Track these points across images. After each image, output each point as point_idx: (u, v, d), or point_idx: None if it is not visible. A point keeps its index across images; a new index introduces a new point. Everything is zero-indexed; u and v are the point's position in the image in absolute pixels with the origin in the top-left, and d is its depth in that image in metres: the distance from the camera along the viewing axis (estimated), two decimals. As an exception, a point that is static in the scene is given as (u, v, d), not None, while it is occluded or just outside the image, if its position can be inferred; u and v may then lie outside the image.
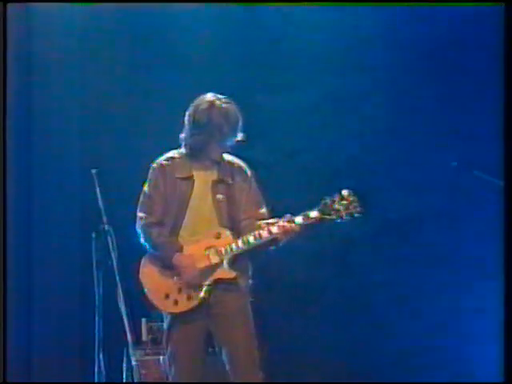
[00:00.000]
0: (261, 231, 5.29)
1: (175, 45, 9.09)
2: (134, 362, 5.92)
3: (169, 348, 5.31)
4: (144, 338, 6.58)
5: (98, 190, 5.91)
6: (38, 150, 8.10)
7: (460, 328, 7.74)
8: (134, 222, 5.46)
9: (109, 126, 8.53)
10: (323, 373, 7.44)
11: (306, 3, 9.26)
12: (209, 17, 9.03)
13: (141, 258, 5.36)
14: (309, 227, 5.37)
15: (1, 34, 6.49)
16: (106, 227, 5.70)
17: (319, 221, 5.32)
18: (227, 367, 5.20)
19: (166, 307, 5.27)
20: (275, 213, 5.40)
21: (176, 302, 5.26)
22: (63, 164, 7.97)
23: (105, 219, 5.76)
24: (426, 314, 7.74)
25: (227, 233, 5.31)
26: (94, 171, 5.89)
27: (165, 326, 5.38)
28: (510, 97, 6.11)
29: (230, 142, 5.38)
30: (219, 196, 5.41)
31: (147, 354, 6.48)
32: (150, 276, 5.39)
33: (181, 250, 5.33)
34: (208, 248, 5.26)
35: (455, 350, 7.69)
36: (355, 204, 5.34)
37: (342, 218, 5.31)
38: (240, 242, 5.24)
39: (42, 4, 8.92)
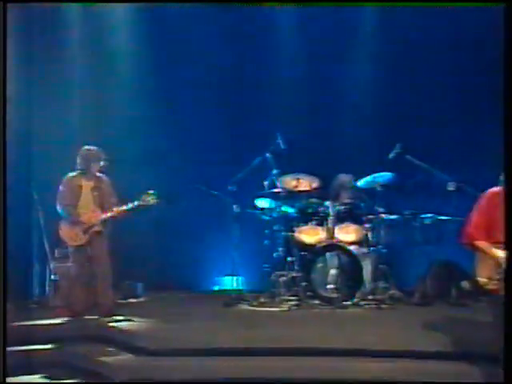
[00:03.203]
0: (114, 209, 6.55)
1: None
2: (51, 266, 7.38)
3: (71, 259, 6.68)
4: (57, 255, 7.39)
5: (35, 196, 7.33)
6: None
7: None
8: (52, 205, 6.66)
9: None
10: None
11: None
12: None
13: (59, 222, 6.62)
14: (136, 209, 6.58)
15: (1, 33, 5.18)
16: (39, 207, 7.38)
17: (140, 206, 6.60)
18: (95, 268, 6.58)
19: (70, 242, 6.61)
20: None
21: (75, 240, 6.58)
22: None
23: (39, 208, 7.34)
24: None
25: (98, 210, 6.58)
26: (35, 196, 7.30)
27: (69, 250, 6.66)
28: (510, 97, 4.75)
29: (97, 167, 6.64)
30: (95, 193, 6.64)
31: (58, 264, 7.34)
32: (63, 229, 6.61)
33: (78, 215, 6.53)
34: (90, 218, 6.54)
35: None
36: (155, 197, 6.57)
37: (149, 204, 6.58)
38: (105, 216, 6.56)
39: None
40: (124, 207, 6.64)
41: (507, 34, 4.84)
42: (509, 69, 4.78)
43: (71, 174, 6.70)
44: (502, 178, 4.79)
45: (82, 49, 8.60)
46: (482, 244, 4.76)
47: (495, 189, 4.84)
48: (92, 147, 6.70)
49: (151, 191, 6.61)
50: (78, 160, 6.68)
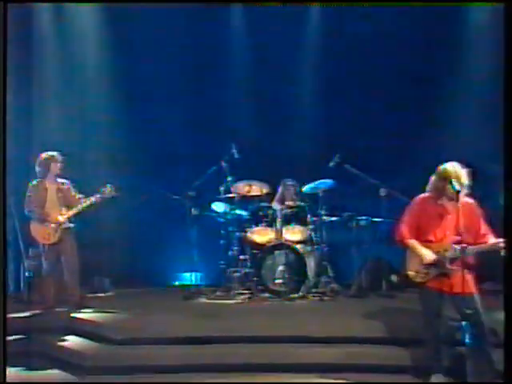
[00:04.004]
0: (78, 206, 6.55)
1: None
2: (26, 264, 7.11)
3: (44, 256, 6.57)
4: (30, 254, 7.13)
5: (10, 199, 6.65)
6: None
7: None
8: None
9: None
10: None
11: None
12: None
13: (29, 222, 6.58)
14: (98, 202, 6.52)
15: (1, 33, 4.71)
16: (13, 211, 6.95)
17: (101, 199, 6.53)
18: (64, 265, 6.54)
19: (43, 241, 6.55)
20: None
21: (48, 239, 6.52)
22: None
23: (14, 210, 6.93)
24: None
25: (64, 209, 6.58)
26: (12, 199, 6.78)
27: (41, 247, 6.58)
28: (510, 96, 4.44)
29: (56, 170, 6.57)
30: (60, 194, 6.65)
31: (32, 262, 7.05)
32: (34, 228, 6.57)
33: (47, 215, 6.50)
34: (58, 217, 6.51)
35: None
36: (113, 190, 6.52)
37: (109, 196, 6.53)
38: (70, 212, 6.54)
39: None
40: (87, 202, 6.61)
41: (507, 33, 4.51)
42: (509, 69, 4.42)
43: (36, 180, 6.70)
44: (428, 186, 4.92)
45: (49, 53, 8.25)
46: (411, 242, 4.92)
47: (424, 194, 4.99)
48: (49, 152, 6.65)
49: (109, 184, 6.59)
50: (38, 167, 6.63)
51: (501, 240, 4.62)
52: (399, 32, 8.13)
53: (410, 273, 4.91)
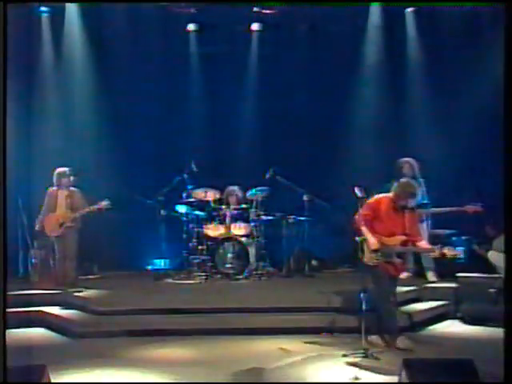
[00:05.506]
0: (85, 209, 6.48)
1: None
2: (32, 252, 7.01)
3: (55, 247, 6.55)
4: (35, 245, 7.00)
5: (19, 202, 7.00)
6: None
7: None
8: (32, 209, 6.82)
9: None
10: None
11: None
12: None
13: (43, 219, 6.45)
14: (95, 211, 6.42)
15: (1, 33, 3.76)
16: (22, 211, 7.05)
17: (98, 209, 6.43)
18: (67, 254, 6.43)
19: (50, 233, 6.55)
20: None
21: (53, 232, 6.51)
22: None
23: (23, 211, 7.05)
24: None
25: (69, 211, 6.53)
26: (20, 202, 6.96)
27: (51, 239, 6.53)
28: (510, 96, 3.68)
29: (68, 182, 6.50)
30: (68, 200, 6.62)
31: (37, 250, 6.94)
32: (46, 222, 6.54)
33: (55, 215, 6.48)
34: (64, 217, 6.51)
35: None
36: (108, 203, 6.41)
37: (105, 208, 6.40)
38: (72, 215, 6.43)
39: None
40: (86, 210, 6.66)
41: (507, 33, 3.90)
42: (509, 68, 3.87)
43: (52, 188, 6.78)
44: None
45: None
46: (364, 229, 4.84)
47: (385, 196, 4.92)
48: (63, 168, 6.72)
49: (106, 199, 6.62)
50: (54, 178, 6.72)
51: (431, 247, 4.79)
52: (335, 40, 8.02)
53: (366, 259, 4.83)
